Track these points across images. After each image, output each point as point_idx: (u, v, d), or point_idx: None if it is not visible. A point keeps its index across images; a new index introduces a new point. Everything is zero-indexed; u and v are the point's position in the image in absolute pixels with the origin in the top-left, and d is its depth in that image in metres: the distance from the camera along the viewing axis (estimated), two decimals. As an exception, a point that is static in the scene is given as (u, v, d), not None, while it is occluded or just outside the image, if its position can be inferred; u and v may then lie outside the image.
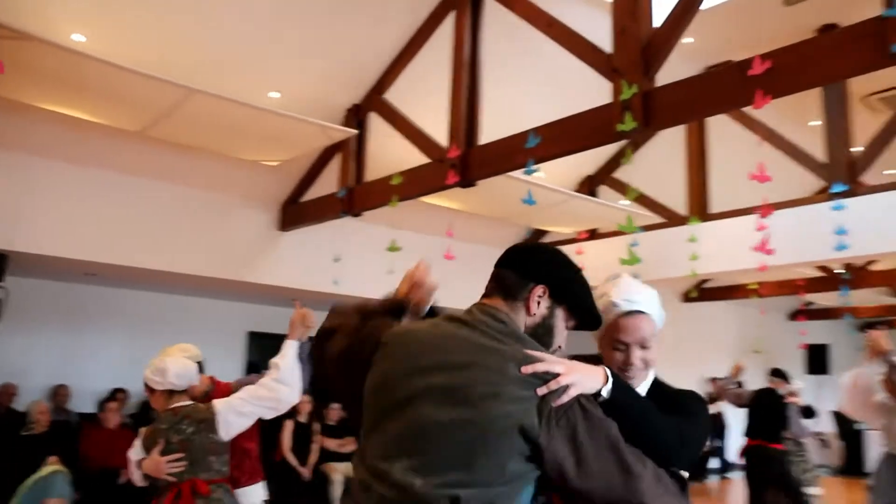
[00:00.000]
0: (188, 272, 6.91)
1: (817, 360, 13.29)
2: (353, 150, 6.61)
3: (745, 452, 6.70)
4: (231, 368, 8.72)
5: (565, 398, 1.41)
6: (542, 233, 9.22)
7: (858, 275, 10.18)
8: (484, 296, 1.61)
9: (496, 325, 1.51)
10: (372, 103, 6.62)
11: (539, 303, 1.57)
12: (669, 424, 1.56)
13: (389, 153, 6.87)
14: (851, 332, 14.72)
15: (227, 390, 3.42)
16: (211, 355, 3.96)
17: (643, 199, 8.14)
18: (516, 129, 5.16)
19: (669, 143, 7.94)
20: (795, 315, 13.68)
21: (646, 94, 4.35)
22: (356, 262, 7.59)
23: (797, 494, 6.35)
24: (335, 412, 7.63)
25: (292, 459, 6.94)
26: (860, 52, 3.60)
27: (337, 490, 6.93)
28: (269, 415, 3.11)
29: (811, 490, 6.69)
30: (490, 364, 1.43)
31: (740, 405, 6.89)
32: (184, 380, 3.14)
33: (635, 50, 4.46)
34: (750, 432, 6.71)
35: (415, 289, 1.80)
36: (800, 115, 7.98)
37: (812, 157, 7.01)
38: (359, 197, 6.44)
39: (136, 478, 3.13)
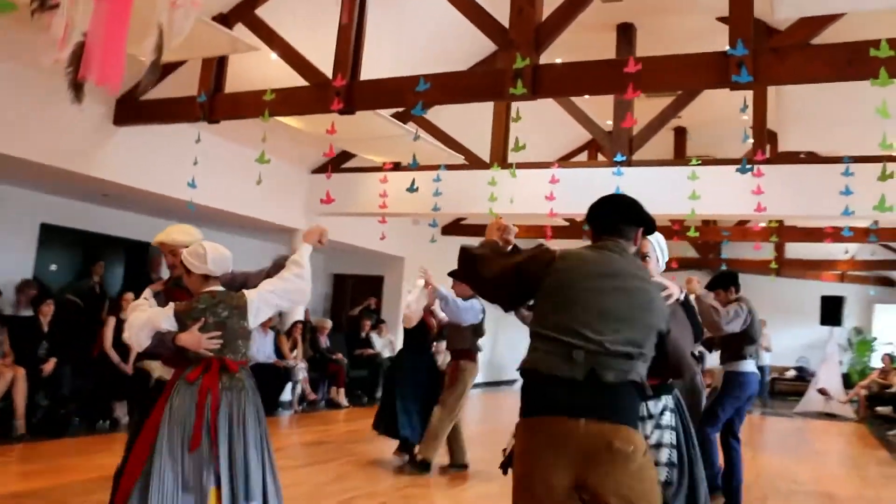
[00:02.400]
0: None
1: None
2: (217, 57, 6.93)
3: None
4: (17, 263, 8.51)
5: (671, 301, 2.61)
6: (349, 156, 10.11)
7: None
8: (606, 234, 2.63)
9: (627, 253, 2.62)
10: (242, 16, 6.98)
11: (637, 238, 2.71)
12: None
13: (252, 68, 7.34)
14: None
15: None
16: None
17: (453, 143, 9.43)
18: (393, 72, 6.08)
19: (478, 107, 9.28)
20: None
21: (536, 67, 5.56)
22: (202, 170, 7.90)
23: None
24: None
25: (114, 355, 7.25)
26: (708, 74, 5.17)
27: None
28: (288, 307, 3.78)
29: None
30: (640, 275, 2.54)
31: None
32: (220, 267, 3.60)
33: (530, 29, 5.63)
34: None
35: (505, 234, 2.83)
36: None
37: (602, 129, 8.82)
38: (222, 105, 6.83)
39: (140, 340, 3.46)
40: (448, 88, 6.03)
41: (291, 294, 3.69)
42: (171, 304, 3.57)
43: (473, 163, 9.56)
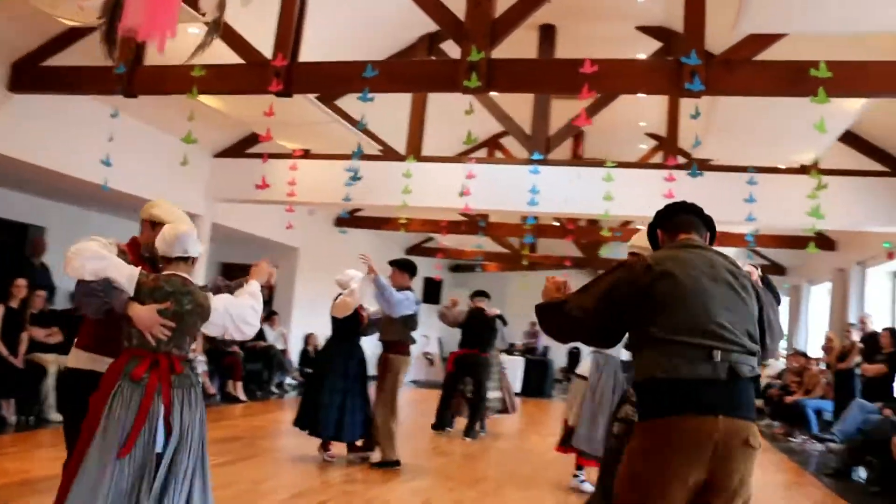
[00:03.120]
0: None
1: (432, 291, 16.15)
2: (138, 26, 6.51)
3: (457, 359, 8.62)
4: None
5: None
6: (254, 141, 9.78)
7: (491, 225, 12.86)
8: (684, 232, 2.72)
9: (713, 250, 2.70)
10: (169, -18, 6.58)
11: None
12: None
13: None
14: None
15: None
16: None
17: (367, 132, 9.32)
18: (324, 56, 5.98)
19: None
20: (414, 249, 16.37)
21: (491, 62, 5.61)
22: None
23: (482, 399, 8.48)
24: (40, 299, 7.38)
25: (2, 348, 6.65)
26: (661, 80, 5.40)
27: (50, 381, 6.87)
28: (231, 335, 3.41)
29: (492, 393, 8.89)
30: (731, 266, 2.61)
31: (457, 324, 8.68)
32: (170, 246, 3.27)
33: (486, 23, 5.67)
34: (464, 344, 8.62)
35: (564, 290, 2.87)
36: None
37: (520, 128, 9.00)
38: (143, 78, 6.43)
39: (84, 268, 3.06)
40: (396, 76, 5.99)
41: (243, 325, 3.42)
42: (139, 268, 3.24)
43: (388, 154, 9.51)
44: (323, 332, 12.86)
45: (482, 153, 13.09)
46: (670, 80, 5.34)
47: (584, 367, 5.82)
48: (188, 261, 3.35)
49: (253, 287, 3.53)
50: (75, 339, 3.45)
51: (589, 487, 5.78)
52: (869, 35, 5.45)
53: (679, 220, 2.78)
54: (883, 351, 8.07)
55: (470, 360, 8.56)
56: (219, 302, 3.33)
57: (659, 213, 2.86)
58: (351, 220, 13.39)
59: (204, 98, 7.02)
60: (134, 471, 2.98)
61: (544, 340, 17.33)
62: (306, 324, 13.29)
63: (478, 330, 8.68)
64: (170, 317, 3.16)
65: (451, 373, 8.77)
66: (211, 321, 3.29)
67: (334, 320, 6.51)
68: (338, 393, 6.17)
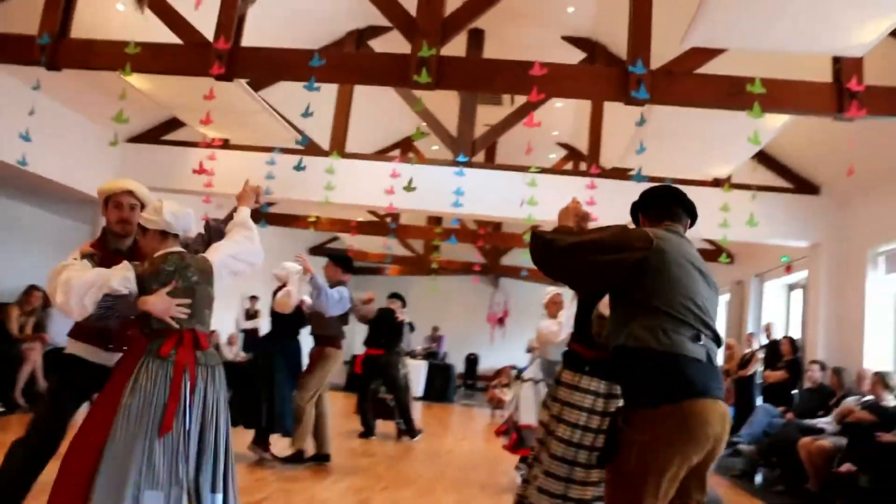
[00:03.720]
0: None
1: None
2: (63, -2, 6.21)
3: (365, 360, 8.53)
4: None
5: None
6: (171, 127, 9.47)
7: (401, 227, 12.91)
8: (668, 220, 2.87)
9: (689, 241, 2.85)
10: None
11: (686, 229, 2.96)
12: None
13: (97, 15, 6.67)
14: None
15: None
16: None
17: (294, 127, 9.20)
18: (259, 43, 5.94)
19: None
20: (318, 249, 16.22)
21: (441, 58, 5.69)
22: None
23: (403, 392, 8.49)
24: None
25: None
26: (608, 87, 5.63)
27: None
28: (245, 270, 3.48)
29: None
30: (706, 265, 2.77)
31: (366, 321, 8.63)
32: (179, 223, 3.28)
33: (437, 20, 5.75)
34: (369, 343, 8.56)
35: (582, 220, 3.01)
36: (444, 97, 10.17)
37: (446, 130, 9.11)
38: (69, 51, 6.12)
39: (84, 304, 2.99)
40: (344, 67, 5.97)
41: (249, 255, 3.51)
42: (127, 263, 3.16)
43: (310, 149, 9.41)
44: (225, 330, 12.61)
45: (395, 153, 13.21)
46: (615, 87, 5.58)
47: (530, 371, 6.04)
48: (177, 237, 3.32)
49: (242, 215, 3.59)
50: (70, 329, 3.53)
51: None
52: (801, 56, 5.85)
53: (667, 208, 2.91)
54: (784, 358, 8.63)
55: (378, 361, 8.56)
56: (217, 255, 3.34)
57: (646, 197, 2.95)
58: (257, 215, 13.12)
59: (131, 78, 6.76)
60: (168, 450, 2.95)
61: (445, 346, 17.48)
62: (213, 320, 12.90)
63: (385, 330, 8.69)
64: (182, 294, 3.15)
65: (359, 375, 8.73)
66: (219, 276, 3.32)
67: (276, 315, 6.41)
68: (280, 388, 6.08)
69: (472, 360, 18.45)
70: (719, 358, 11.77)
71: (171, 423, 2.97)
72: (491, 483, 6.41)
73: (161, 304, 3.09)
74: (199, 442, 3.07)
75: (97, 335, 3.42)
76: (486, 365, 18.15)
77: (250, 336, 13.17)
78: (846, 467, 5.87)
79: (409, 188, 7.68)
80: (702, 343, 2.54)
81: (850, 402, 6.75)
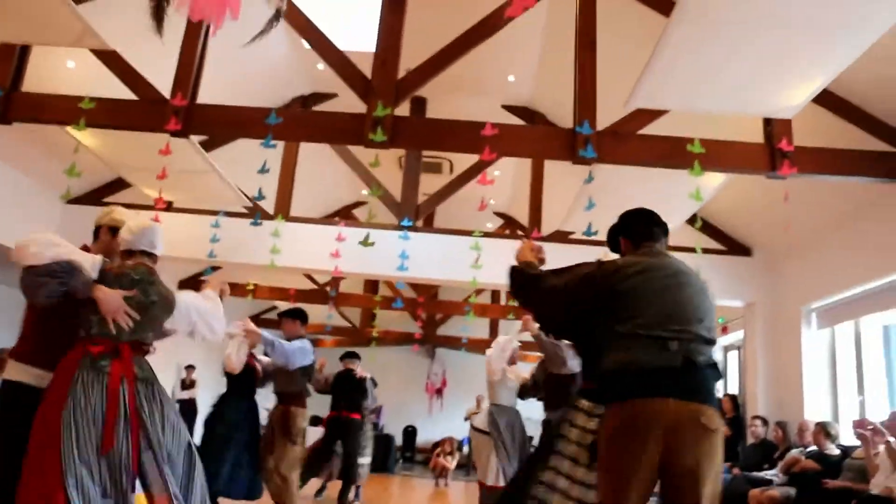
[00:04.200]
0: None
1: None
2: (18, 50, 6.23)
3: (329, 422, 8.50)
4: None
5: None
6: (117, 187, 9.41)
7: (341, 295, 12.93)
8: (646, 241, 3.05)
9: (671, 256, 3.04)
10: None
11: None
12: None
13: (48, 71, 6.70)
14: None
15: None
16: None
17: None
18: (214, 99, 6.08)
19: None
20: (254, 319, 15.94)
21: (395, 118, 5.90)
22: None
23: (354, 459, 8.37)
24: None
25: None
26: (557, 146, 5.90)
27: None
28: (202, 333, 3.41)
29: (364, 458, 8.78)
30: (689, 270, 2.95)
31: (325, 390, 8.54)
32: (140, 240, 3.28)
33: (391, 82, 5.98)
34: (335, 406, 8.50)
35: (539, 254, 3.19)
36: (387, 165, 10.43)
37: (392, 197, 9.29)
38: (21, 105, 6.12)
39: (42, 253, 2.91)
40: (301, 124, 6.12)
41: (213, 318, 3.45)
42: (99, 256, 3.18)
43: (254, 213, 9.45)
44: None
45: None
46: (563, 147, 5.86)
47: (480, 420, 6.04)
48: (151, 257, 3.30)
49: (210, 293, 3.55)
50: (12, 348, 3.21)
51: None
52: (736, 119, 6.27)
53: (645, 230, 3.12)
54: (726, 416, 8.88)
55: (342, 422, 8.47)
56: (183, 297, 3.32)
57: (625, 222, 3.17)
58: (191, 281, 12.97)
59: (80, 135, 6.77)
60: (115, 464, 2.86)
61: (385, 418, 17.28)
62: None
63: (348, 391, 8.64)
64: (135, 306, 3.10)
65: (325, 434, 8.63)
66: (177, 316, 3.27)
67: (228, 376, 6.34)
68: (236, 449, 5.96)
69: (410, 432, 18.24)
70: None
71: (111, 438, 2.87)
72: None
73: (113, 301, 3.03)
74: (153, 450, 2.99)
75: (45, 353, 3.12)
76: (423, 437, 17.97)
77: (186, 405, 12.84)
78: (796, 513, 6.06)
79: (366, 243, 7.77)
80: (671, 350, 2.67)
81: (794, 453, 6.98)
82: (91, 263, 3.08)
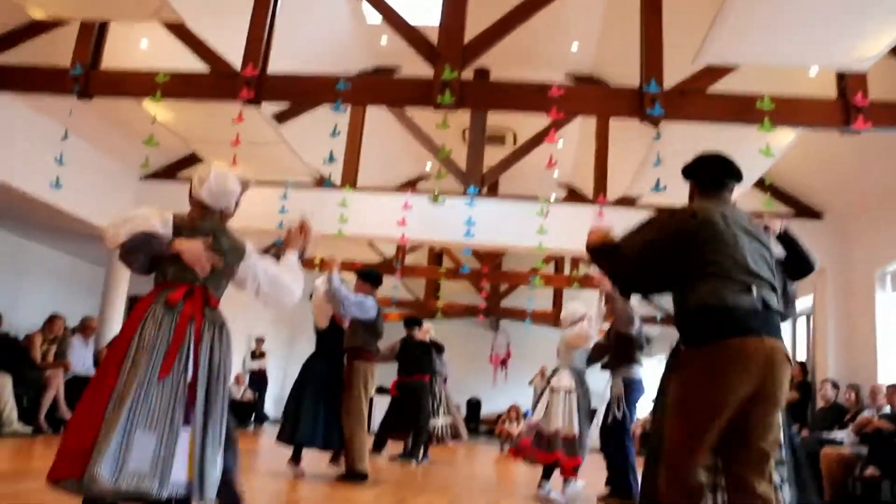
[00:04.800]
0: None
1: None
2: (96, 30, 6.47)
3: (395, 387, 8.81)
4: None
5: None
6: (190, 162, 9.70)
7: (406, 268, 13.10)
8: (723, 189, 3.07)
9: (734, 206, 3.05)
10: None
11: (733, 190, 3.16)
12: None
13: (120, 50, 6.94)
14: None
15: None
16: None
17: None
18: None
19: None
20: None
21: (462, 81, 5.94)
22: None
23: (421, 420, 8.56)
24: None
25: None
26: (623, 106, 5.87)
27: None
28: (269, 299, 3.37)
29: (437, 420, 8.99)
30: (751, 223, 2.98)
31: (393, 357, 8.75)
32: (215, 200, 3.29)
33: (458, 46, 6.01)
34: (400, 372, 8.76)
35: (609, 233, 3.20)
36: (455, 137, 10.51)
37: (458, 166, 9.36)
38: (100, 82, 6.36)
39: (118, 233, 3.03)
40: (369, 90, 6.22)
41: (280, 287, 3.38)
42: (170, 212, 3.21)
43: (323, 183, 9.63)
44: (233, 369, 12.65)
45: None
46: (630, 106, 5.84)
47: (566, 380, 6.14)
48: (223, 216, 3.38)
49: (290, 259, 3.48)
50: None
51: (556, 496, 6.01)
52: (807, 74, 6.14)
53: (717, 178, 3.10)
54: (794, 381, 8.76)
55: (407, 385, 8.65)
56: (254, 253, 3.32)
57: (699, 165, 3.14)
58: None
59: (155, 110, 7.01)
60: (166, 394, 2.91)
61: (449, 389, 17.42)
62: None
63: (411, 354, 8.81)
64: (213, 254, 3.16)
65: (393, 397, 8.85)
66: (243, 273, 3.28)
67: (316, 333, 6.67)
68: (317, 402, 6.21)
69: (474, 404, 18.41)
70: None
71: (169, 366, 2.94)
72: (523, 493, 6.50)
73: (194, 248, 3.10)
74: (207, 394, 3.03)
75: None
76: (488, 409, 18.12)
77: (255, 375, 13.21)
78: (870, 472, 5.98)
79: (435, 198, 7.88)
80: (753, 295, 2.74)
81: (866, 414, 6.87)
82: (162, 223, 3.14)
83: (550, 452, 5.90)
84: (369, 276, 6.69)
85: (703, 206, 2.99)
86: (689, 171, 3.17)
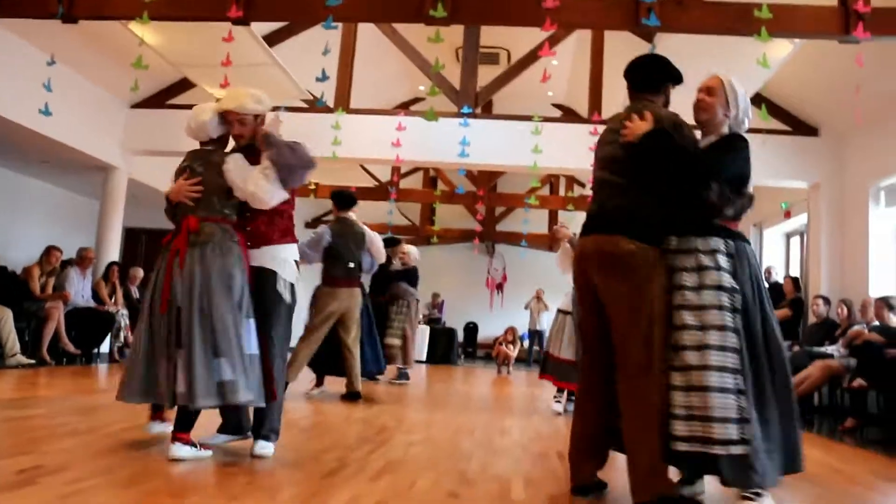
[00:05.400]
0: None
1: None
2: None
3: None
4: None
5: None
6: (179, 88, 9.54)
7: (401, 191, 13.04)
8: (638, 91, 3.14)
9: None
10: None
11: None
12: None
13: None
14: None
15: None
16: None
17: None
18: None
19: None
20: (317, 222, 16.29)
21: (457, -7, 5.79)
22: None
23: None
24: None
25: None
26: (620, 16, 5.75)
27: None
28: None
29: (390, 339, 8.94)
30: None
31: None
32: (197, 133, 3.64)
33: (450, -44, 5.84)
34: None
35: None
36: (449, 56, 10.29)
37: (451, 85, 9.22)
38: (84, 3, 6.16)
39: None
40: (361, 5, 6.06)
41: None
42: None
43: (315, 106, 9.50)
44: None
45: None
46: (626, 16, 5.72)
47: (564, 302, 6.22)
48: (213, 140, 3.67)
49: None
50: None
51: (559, 408, 6.21)
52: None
53: (647, 81, 3.21)
54: (786, 297, 8.83)
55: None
56: (230, 163, 3.51)
57: (675, 71, 3.20)
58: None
59: (143, 33, 6.85)
60: (165, 325, 3.34)
61: (446, 314, 17.61)
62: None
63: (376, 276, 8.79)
64: (194, 183, 3.51)
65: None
66: (230, 182, 3.48)
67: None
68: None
69: (471, 329, 18.61)
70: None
71: (165, 302, 3.34)
72: (522, 408, 6.62)
73: (174, 188, 3.56)
74: (200, 309, 3.29)
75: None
76: (485, 333, 18.32)
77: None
78: (857, 383, 6.07)
79: (429, 116, 7.79)
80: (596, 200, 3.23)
81: (856, 328, 6.94)
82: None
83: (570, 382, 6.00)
84: (337, 197, 6.69)
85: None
86: (669, 76, 3.15)
